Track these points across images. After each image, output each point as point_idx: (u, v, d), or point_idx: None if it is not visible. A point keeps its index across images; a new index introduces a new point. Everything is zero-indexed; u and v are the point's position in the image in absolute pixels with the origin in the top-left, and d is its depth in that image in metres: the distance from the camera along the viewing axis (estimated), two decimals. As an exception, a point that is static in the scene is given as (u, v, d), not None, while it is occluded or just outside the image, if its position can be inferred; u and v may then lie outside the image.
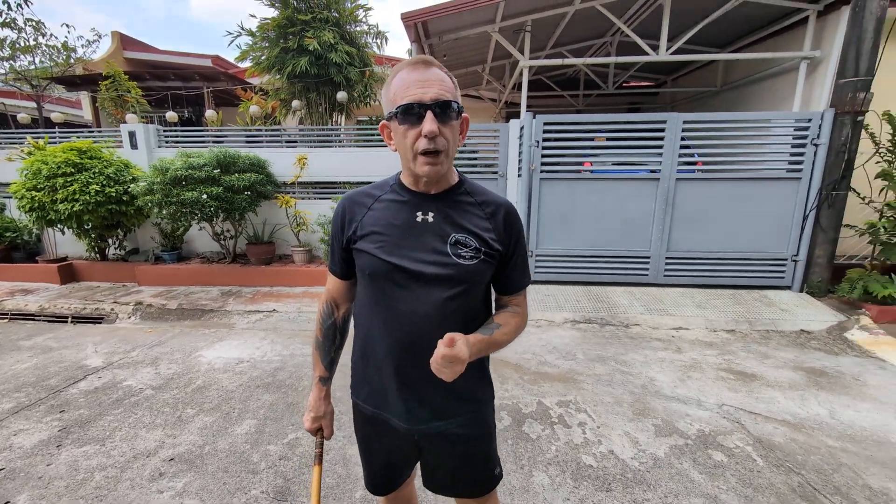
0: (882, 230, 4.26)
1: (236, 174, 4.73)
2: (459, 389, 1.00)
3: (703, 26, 5.17)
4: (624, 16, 5.75)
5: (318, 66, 5.62)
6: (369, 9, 5.97)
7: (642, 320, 4.18)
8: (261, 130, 5.73)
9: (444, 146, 0.89)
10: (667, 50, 5.10)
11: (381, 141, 5.64)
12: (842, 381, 3.02)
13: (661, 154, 4.72)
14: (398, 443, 1.10)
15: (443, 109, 0.87)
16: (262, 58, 5.92)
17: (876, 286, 4.15)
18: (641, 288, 4.90)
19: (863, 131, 4.36)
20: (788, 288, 4.87)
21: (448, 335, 0.84)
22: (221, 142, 5.71)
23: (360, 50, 6.07)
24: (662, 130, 4.66)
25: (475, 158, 5.82)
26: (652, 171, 4.82)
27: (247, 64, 6.36)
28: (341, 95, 5.86)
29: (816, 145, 4.51)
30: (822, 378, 3.07)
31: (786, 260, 4.82)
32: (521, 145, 5.11)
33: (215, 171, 4.58)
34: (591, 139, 5.10)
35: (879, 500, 1.85)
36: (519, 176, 5.08)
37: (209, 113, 6.26)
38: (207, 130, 5.85)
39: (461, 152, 5.98)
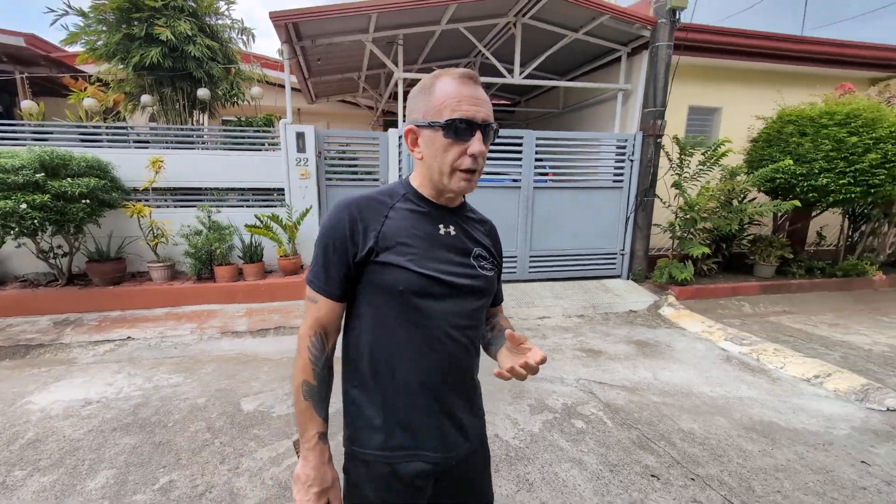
0: (677, 228, 5.37)
1: (69, 179, 3.87)
2: (479, 405, 1.01)
3: (547, 56, 5.88)
4: (484, 39, 6.22)
5: (172, 58, 4.90)
6: (232, 1, 5.41)
7: (514, 313, 4.60)
8: (100, 127, 4.78)
9: (480, 166, 0.86)
10: (520, 74, 5.67)
11: (255, 144, 5.18)
12: (659, 349, 3.75)
13: (521, 165, 5.25)
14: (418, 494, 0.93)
15: (488, 131, 0.85)
16: (99, 43, 4.93)
17: (676, 271, 5.23)
18: (511, 284, 5.38)
19: (661, 150, 5.46)
20: (619, 277, 5.84)
21: (519, 335, 0.87)
22: (45, 139, 4.61)
23: (224, 45, 5.47)
24: (521, 145, 5.19)
25: (355, 165, 5.72)
26: (514, 181, 5.33)
27: (77, 49, 5.23)
28: (203, 92, 5.20)
29: (632, 161, 5.49)
30: (646, 348, 3.77)
31: (616, 254, 5.78)
32: (400, 154, 5.19)
33: (38, 176, 3.69)
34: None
35: (688, 437, 2.37)
36: (399, 183, 5.15)
37: (26, 104, 4.99)
38: (24, 125, 4.66)
39: (341, 159, 5.83)
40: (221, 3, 5.34)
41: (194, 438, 2.26)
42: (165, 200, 4.95)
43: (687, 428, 2.45)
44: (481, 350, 1.03)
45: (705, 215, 5.30)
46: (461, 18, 5.38)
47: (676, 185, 5.38)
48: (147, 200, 4.78)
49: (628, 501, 1.86)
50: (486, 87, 8.62)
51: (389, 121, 10.12)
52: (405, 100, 6.81)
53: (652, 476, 2.03)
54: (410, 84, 8.89)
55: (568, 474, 2.05)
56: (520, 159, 5.24)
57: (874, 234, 6.07)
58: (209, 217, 4.65)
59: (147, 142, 5.01)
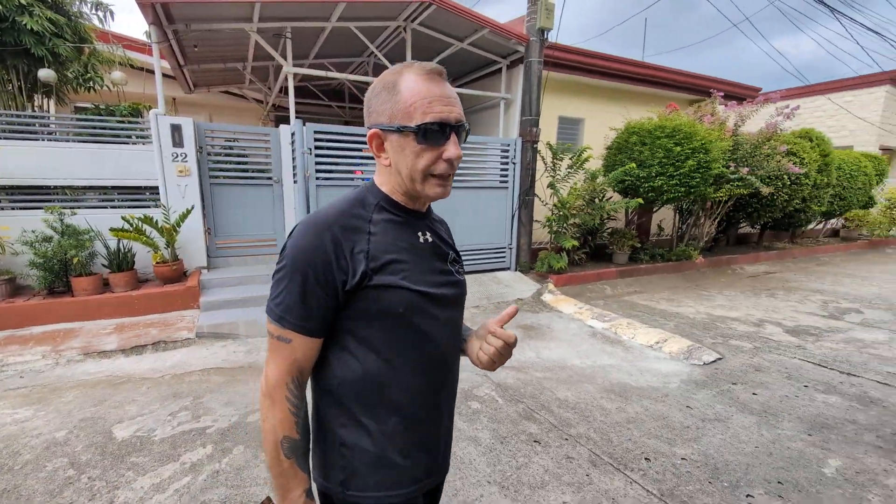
0: (553, 223, 5.97)
1: None
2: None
3: (437, 62, 6.06)
4: (376, 41, 6.18)
5: (0, 30, 3.97)
6: (79, -29, 4.56)
7: (414, 307, 4.69)
8: None
9: (456, 169, 0.77)
10: (415, 78, 5.76)
11: (119, 136, 4.45)
12: (541, 331, 4.16)
13: (417, 166, 5.34)
14: None
15: (464, 133, 0.76)
16: None
17: (554, 262, 5.82)
18: (411, 279, 5.45)
19: (538, 155, 6.01)
20: (508, 269, 6.30)
21: (492, 323, 0.84)
22: None
23: (73, 20, 4.58)
24: (417, 147, 5.27)
25: (246, 163, 5.26)
26: (411, 180, 5.41)
27: None
28: (45, 73, 4.30)
29: (514, 164, 5.96)
30: (531, 331, 4.15)
31: (505, 248, 6.22)
32: (294, 151, 4.91)
33: None
34: (360, 150, 5.35)
35: (563, 404, 2.69)
36: (295, 182, 4.88)
37: None
38: None
39: (227, 155, 5.31)
40: (66, -29, 4.46)
41: (52, 478, 1.91)
42: (2, 202, 4.01)
43: (563, 396, 2.78)
44: None
45: (574, 212, 5.98)
46: (351, 17, 5.26)
47: (551, 185, 5.97)
48: (-31, 202, 3.83)
49: (515, 467, 2.06)
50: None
51: (281, 116, 9.47)
52: (297, 96, 6.45)
53: (535, 441, 2.27)
54: (303, 79, 8.44)
55: (465, 452, 2.19)
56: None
57: (696, 225, 7.45)
58: (61, 220, 3.90)
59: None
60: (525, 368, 3.26)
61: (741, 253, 8.16)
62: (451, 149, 0.73)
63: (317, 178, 4.88)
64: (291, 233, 0.76)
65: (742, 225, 8.66)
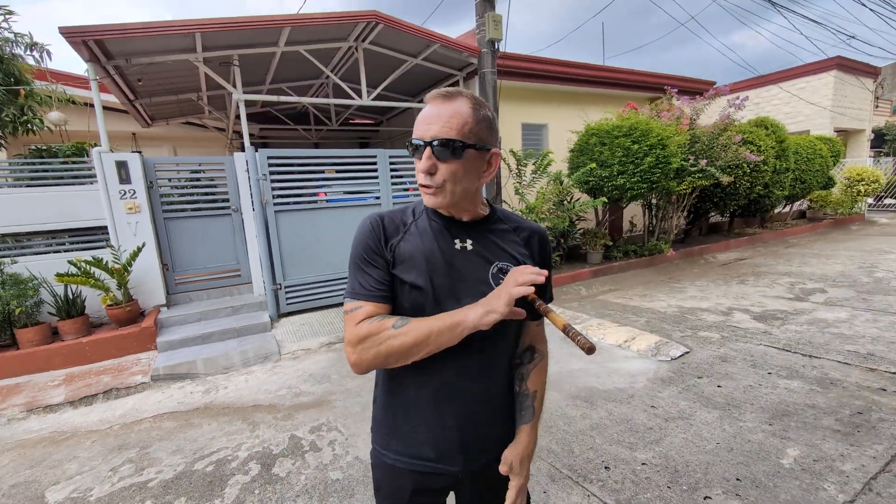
0: (523, 229, 5.98)
1: None
2: (505, 417, 0.97)
3: (394, 79, 6.09)
4: (331, 63, 6.18)
5: (-79, 79, 3.82)
6: (10, 13, 4.44)
7: (384, 327, 4.60)
8: None
9: (439, 182, 0.83)
10: (368, 96, 5.76)
11: (60, 178, 4.31)
12: (512, 339, 4.11)
13: (378, 183, 5.32)
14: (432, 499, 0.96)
15: (442, 147, 0.81)
16: None
17: (526, 267, 5.81)
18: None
19: (501, 162, 6.05)
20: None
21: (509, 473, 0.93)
22: None
23: (5, 63, 4.45)
24: (375, 164, 5.25)
25: (215, 192, 5.12)
26: (376, 198, 5.37)
27: None
28: (-26, 121, 4.16)
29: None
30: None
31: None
32: (249, 178, 4.82)
33: None
34: (322, 171, 5.29)
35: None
36: (253, 210, 4.79)
37: None
38: None
39: (180, 188, 5.18)
40: (-5, 14, 4.34)
41: (-32, 557, 1.77)
42: (-69, 256, 3.82)
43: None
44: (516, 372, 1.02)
45: (543, 216, 6.00)
46: (300, 41, 5.25)
47: (517, 191, 6.00)
48: None
49: (475, 490, 1.99)
50: (345, 107, 8.64)
51: (255, 143, 9.36)
52: (263, 121, 6.44)
53: (497, 460, 2.21)
54: (266, 105, 8.39)
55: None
56: (376, 177, 5.30)
57: (664, 219, 7.57)
58: (1, 270, 3.72)
59: None
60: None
61: (713, 241, 8.31)
62: (420, 163, 0.83)
63: (275, 204, 4.80)
64: None
65: (712, 214, 8.84)
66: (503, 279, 0.86)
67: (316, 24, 4.83)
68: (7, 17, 4.45)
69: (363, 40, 5.45)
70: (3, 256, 3.88)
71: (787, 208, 10.80)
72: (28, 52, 4.71)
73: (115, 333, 3.97)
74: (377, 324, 0.83)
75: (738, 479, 1.90)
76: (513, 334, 0.97)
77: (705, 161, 6.37)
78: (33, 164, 4.30)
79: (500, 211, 0.99)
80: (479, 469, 0.94)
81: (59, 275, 3.85)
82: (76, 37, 3.73)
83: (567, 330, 0.77)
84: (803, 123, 11.62)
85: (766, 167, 7.35)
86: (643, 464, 2.07)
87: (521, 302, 0.80)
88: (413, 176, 5.97)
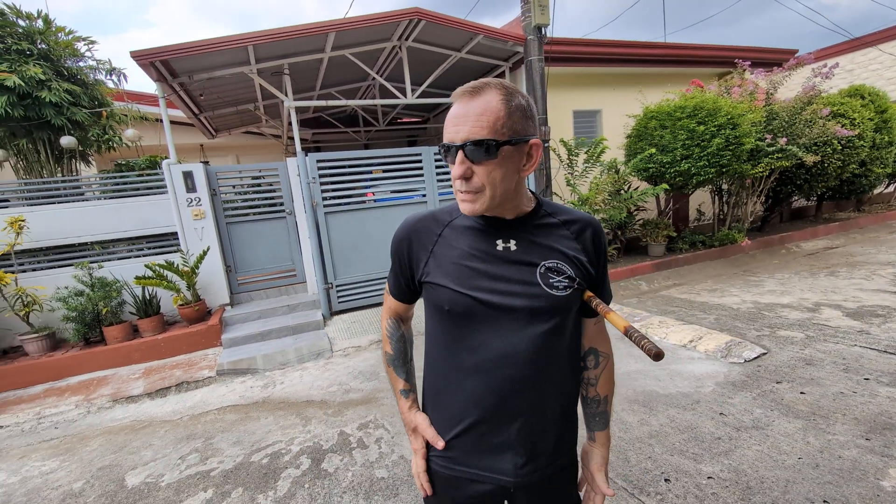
0: (575, 222, 5.74)
1: None
2: (558, 432, 0.91)
3: (439, 75, 6.09)
4: (376, 64, 6.30)
5: (23, 106, 4.40)
6: (92, 42, 4.99)
7: (431, 325, 4.63)
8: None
9: (478, 186, 0.79)
10: (413, 94, 5.81)
11: (139, 189, 4.78)
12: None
13: (423, 181, 5.35)
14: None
15: (475, 149, 0.76)
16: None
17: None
18: (430, 296, 5.42)
19: (552, 153, 5.84)
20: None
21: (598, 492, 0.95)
22: None
23: (89, 88, 5.02)
24: (420, 161, 5.29)
25: (271, 197, 5.46)
26: (423, 196, 5.42)
27: None
28: (67, 140, 4.72)
29: (528, 165, 5.81)
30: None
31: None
32: (301, 182, 5.06)
33: None
34: (370, 171, 5.43)
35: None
36: (305, 212, 5.02)
37: None
38: None
39: (240, 194, 5.56)
40: (80, 45, 4.91)
41: (61, 531, 2.01)
42: (37, 261, 4.40)
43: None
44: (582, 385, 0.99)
45: (598, 207, 5.73)
46: (345, 45, 5.40)
47: (568, 182, 5.77)
48: (10, 266, 4.22)
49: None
50: (392, 106, 8.81)
51: (307, 147, 9.86)
52: (315, 126, 6.74)
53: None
54: (318, 110, 8.77)
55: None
56: (421, 175, 5.34)
57: (737, 205, 6.93)
58: (90, 274, 4.21)
59: (6, 200, 4.44)
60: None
61: (797, 229, 7.48)
62: (456, 168, 0.79)
63: (325, 206, 4.99)
64: None
65: (795, 199, 7.95)
66: (553, 279, 0.84)
67: (359, 26, 4.94)
68: (90, 46, 5.01)
69: (406, 38, 5.50)
70: (93, 262, 4.37)
71: (892, 188, 9.46)
72: (108, 77, 5.27)
73: (186, 331, 4.34)
74: (386, 336, 1.05)
75: (825, 502, 1.68)
76: (567, 341, 0.90)
77: (785, 140, 5.73)
78: (114, 177, 4.81)
79: (548, 204, 0.93)
80: (535, 482, 0.89)
81: (137, 278, 4.27)
82: (145, 59, 4.11)
83: (629, 333, 0.73)
84: (912, 89, 10.09)
85: (862, 142, 6.47)
86: (709, 478, 1.89)
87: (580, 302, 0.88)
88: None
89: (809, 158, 5.80)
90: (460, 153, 0.77)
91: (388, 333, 1.04)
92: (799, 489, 1.77)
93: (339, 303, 5.11)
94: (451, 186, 5.74)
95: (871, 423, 2.15)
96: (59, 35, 4.78)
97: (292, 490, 2.14)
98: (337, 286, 5.09)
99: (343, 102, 5.95)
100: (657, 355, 0.65)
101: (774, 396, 2.51)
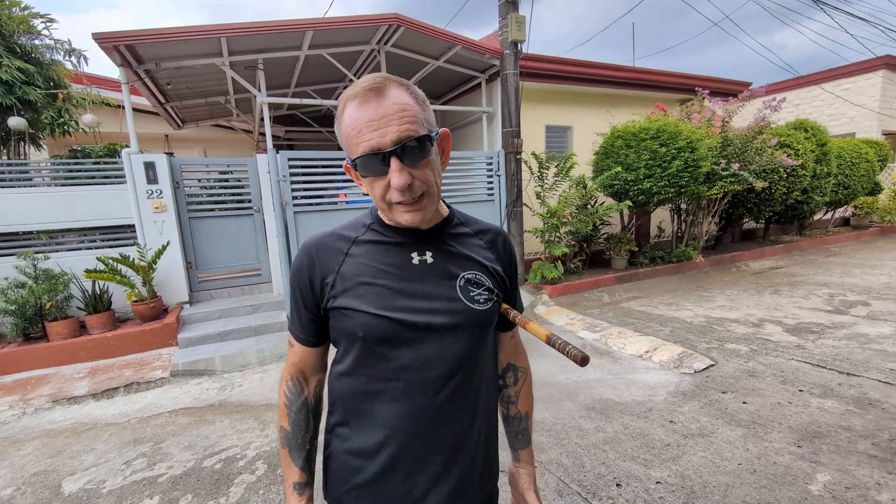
0: (544, 233, 5.89)
1: None
2: (484, 466, 0.84)
3: (417, 81, 6.12)
4: (354, 66, 6.26)
5: (-32, 84, 4.09)
6: (51, 20, 4.71)
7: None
8: None
9: (422, 189, 0.70)
10: (390, 98, 5.81)
11: (92, 177, 4.51)
12: (528, 346, 4.02)
13: (396, 186, 5.34)
14: None
15: (412, 150, 0.67)
16: None
17: (547, 272, 5.71)
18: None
19: (523, 165, 5.97)
20: (500, 281, 6.21)
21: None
22: None
23: (44, 68, 4.72)
24: (394, 166, 5.27)
25: (238, 193, 5.27)
26: (393, 200, 5.40)
27: None
28: (15, 122, 4.41)
29: (499, 175, 5.92)
30: (518, 347, 4.03)
31: (495, 261, 6.13)
32: (270, 180, 4.94)
33: None
34: (342, 173, 5.36)
35: (538, 427, 2.57)
36: (274, 210, 4.90)
37: None
38: None
39: (205, 188, 5.36)
40: (37, 22, 4.61)
41: (-14, 541, 1.86)
42: (-26, 251, 4.07)
43: (540, 417, 2.66)
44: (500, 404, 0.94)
45: (566, 220, 5.89)
46: (323, 45, 5.35)
47: (538, 195, 5.92)
48: (-58, 253, 3.88)
49: (479, 501, 1.95)
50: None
51: (279, 145, 9.62)
52: (287, 124, 6.60)
53: (500, 471, 2.16)
54: (292, 108, 8.59)
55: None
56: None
57: (694, 224, 7.30)
58: (34, 265, 3.93)
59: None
60: (505, 389, 3.14)
61: (746, 249, 7.97)
62: (395, 177, 0.67)
63: (294, 205, 4.88)
64: None
65: (745, 221, 8.47)
66: (473, 291, 0.78)
67: (338, 27, 4.91)
68: (48, 24, 4.72)
69: (385, 43, 5.51)
70: (38, 252, 4.08)
71: (829, 215, 10.25)
72: (67, 58, 4.98)
73: (139, 329, 4.12)
74: (283, 405, 0.84)
75: (760, 505, 1.79)
76: (489, 358, 0.84)
77: (738, 165, 6.11)
78: (68, 163, 4.53)
79: (460, 214, 0.87)
80: None
81: (87, 271, 4.03)
82: (108, 42, 3.91)
83: (552, 341, 0.71)
84: (848, 126, 11.02)
85: (804, 172, 6.99)
86: (657, 482, 1.98)
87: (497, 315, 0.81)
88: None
89: (759, 184, 6.20)
90: (394, 160, 0.66)
91: (287, 401, 0.84)
92: (737, 493, 1.87)
93: (305, 304, 4.99)
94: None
95: (803, 432, 2.31)
96: (14, 10, 4.48)
97: (245, 496, 2.07)
98: (303, 287, 4.97)
99: (319, 102, 5.87)
100: (583, 360, 0.65)
101: (720, 405, 2.66)
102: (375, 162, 0.67)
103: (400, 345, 0.73)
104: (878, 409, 2.48)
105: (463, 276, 0.78)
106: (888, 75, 10.55)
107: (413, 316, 0.73)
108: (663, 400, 2.80)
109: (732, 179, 6.14)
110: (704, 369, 3.23)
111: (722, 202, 7.01)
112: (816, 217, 9.66)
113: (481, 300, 0.78)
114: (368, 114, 0.66)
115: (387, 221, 0.78)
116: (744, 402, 2.68)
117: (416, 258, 0.77)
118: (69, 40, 4.97)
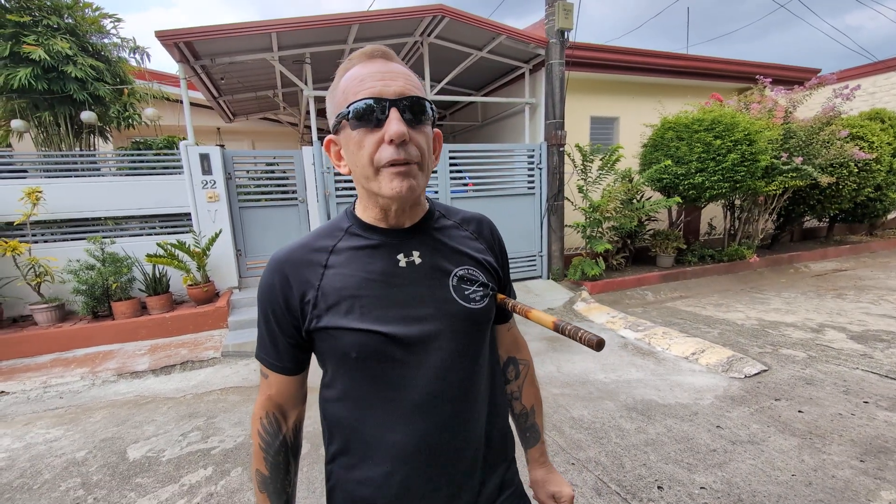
0: (586, 228, 5.76)
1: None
2: (502, 468, 0.81)
3: (459, 73, 6.11)
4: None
5: (48, 80, 4.48)
6: (119, 20, 5.07)
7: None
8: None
9: (416, 156, 0.63)
10: (432, 90, 5.84)
11: (155, 168, 4.85)
12: (566, 343, 3.98)
13: (437, 176, 5.39)
14: None
15: (413, 107, 0.62)
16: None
17: (588, 268, 5.60)
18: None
19: (566, 157, 5.85)
20: (540, 277, 6.15)
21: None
22: None
23: (112, 65, 5.10)
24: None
25: (284, 184, 5.52)
26: (436, 192, 5.46)
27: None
28: (87, 116, 4.80)
29: (540, 169, 5.83)
30: (556, 342, 3.99)
31: (535, 255, 6.08)
32: (315, 171, 5.12)
33: None
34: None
35: (577, 424, 2.55)
36: (318, 201, 5.08)
37: None
38: None
39: (254, 179, 5.62)
40: (107, 22, 4.98)
41: (63, 498, 2.07)
42: (52, 234, 4.48)
43: (577, 415, 2.63)
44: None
45: (609, 215, 5.73)
46: (368, 38, 5.44)
47: (581, 188, 5.78)
48: (25, 236, 4.31)
49: (515, 493, 1.96)
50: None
51: (323, 137, 9.92)
52: (318, 117, 6.77)
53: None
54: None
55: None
56: (435, 171, 5.37)
57: (749, 222, 6.90)
58: (102, 249, 4.28)
59: (25, 171, 4.53)
60: (542, 384, 3.13)
61: (806, 249, 7.44)
62: (393, 125, 0.60)
63: (337, 196, 5.05)
64: None
65: (807, 219, 7.91)
66: (468, 289, 0.72)
67: (383, 20, 4.98)
68: (116, 24, 5.08)
69: (429, 35, 5.53)
70: (105, 237, 4.45)
71: (907, 215, 9.36)
72: (131, 55, 5.35)
73: (193, 311, 4.41)
74: (259, 447, 0.75)
75: (816, 519, 1.70)
76: (492, 357, 0.79)
77: (801, 159, 5.69)
78: (131, 155, 4.88)
79: (440, 206, 0.80)
80: None
81: (149, 255, 4.35)
82: (169, 39, 4.17)
83: (560, 327, 0.66)
84: (934, 115, 9.97)
85: (879, 166, 6.42)
86: (702, 487, 1.92)
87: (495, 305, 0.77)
88: (472, 169, 6.03)
89: (824, 179, 5.77)
90: (394, 110, 0.61)
91: (263, 443, 0.75)
92: (791, 505, 1.79)
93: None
94: (463, 185, 5.81)
95: (867, 446, 2.16)
96: (87, 11, 4.86)
97: (291, 472, 2.19)
98: (343, 276, 5.13)
99: (361, 95, 5.99)
100: (599, 344, 0.61)
101: (772, 413, 2.53)
102: (374, 110, 0.61)
103: (396, 360, 0.67)
104: (957, 427, 2.28)
105: (455, 274, 0.73)
106: None
107: (407, 327, 0.67)
108: (710, 404, 2.70)
109: (794, 174, 5.74)
110: (756, 374, 3.07)
111: (781, 198, 6.57)
112: (891, 216, 8.86)
113: (477, 297, 0.73)
114: (375, 67, 0.63)
115: (369, 218, 0.72)
116: (799, 411, 2.53)
117: (402, 260, 0.70)
118: (133, 38, 5.34)
